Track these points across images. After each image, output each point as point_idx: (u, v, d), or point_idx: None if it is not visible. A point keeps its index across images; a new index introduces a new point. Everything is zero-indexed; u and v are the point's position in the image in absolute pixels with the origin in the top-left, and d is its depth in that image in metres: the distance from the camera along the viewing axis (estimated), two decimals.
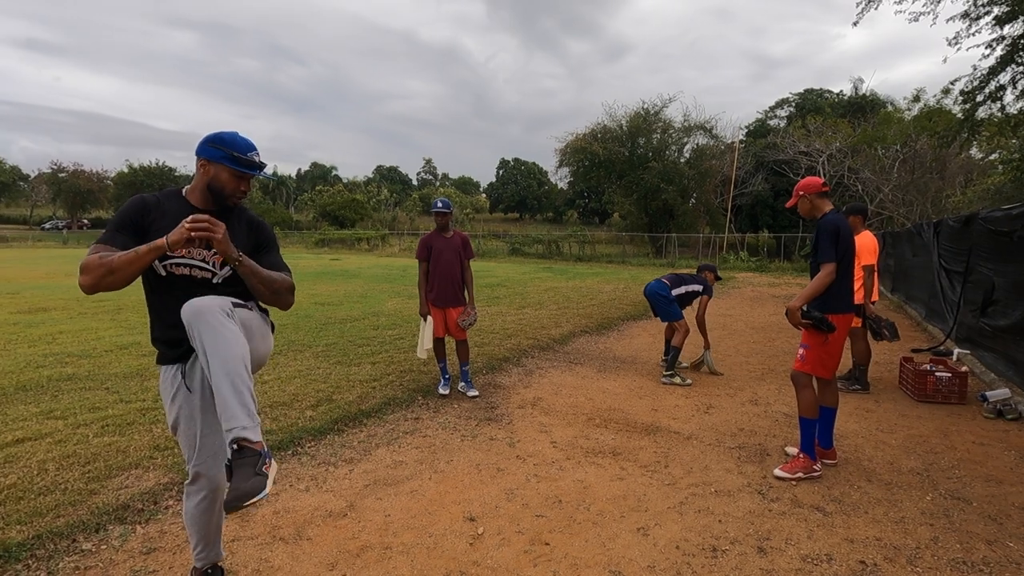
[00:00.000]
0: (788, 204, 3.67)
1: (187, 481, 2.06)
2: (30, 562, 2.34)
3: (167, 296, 1.97)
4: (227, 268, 2.04)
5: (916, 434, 4.07)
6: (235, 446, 1.66)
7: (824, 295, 3.32)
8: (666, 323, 5.85)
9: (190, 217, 1.75)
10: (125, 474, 3.14)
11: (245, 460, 1.63)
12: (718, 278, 6.24)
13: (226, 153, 1.97)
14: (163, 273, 1.95)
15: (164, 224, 1.91)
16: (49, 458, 3.29)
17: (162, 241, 1.75)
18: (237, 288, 2.06)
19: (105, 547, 2.48)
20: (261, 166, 2.05)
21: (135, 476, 3.13)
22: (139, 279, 1.96)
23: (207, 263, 2.01)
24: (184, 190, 2.06)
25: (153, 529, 2.64)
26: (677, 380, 5.42)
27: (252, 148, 2.03)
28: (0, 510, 2.69)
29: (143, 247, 1.76)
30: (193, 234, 1.73)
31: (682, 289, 5.82)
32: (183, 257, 1.96)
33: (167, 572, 2.31)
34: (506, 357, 6.23)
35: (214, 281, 2.03)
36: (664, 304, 5.73)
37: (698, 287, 5.87)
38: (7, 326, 7.52)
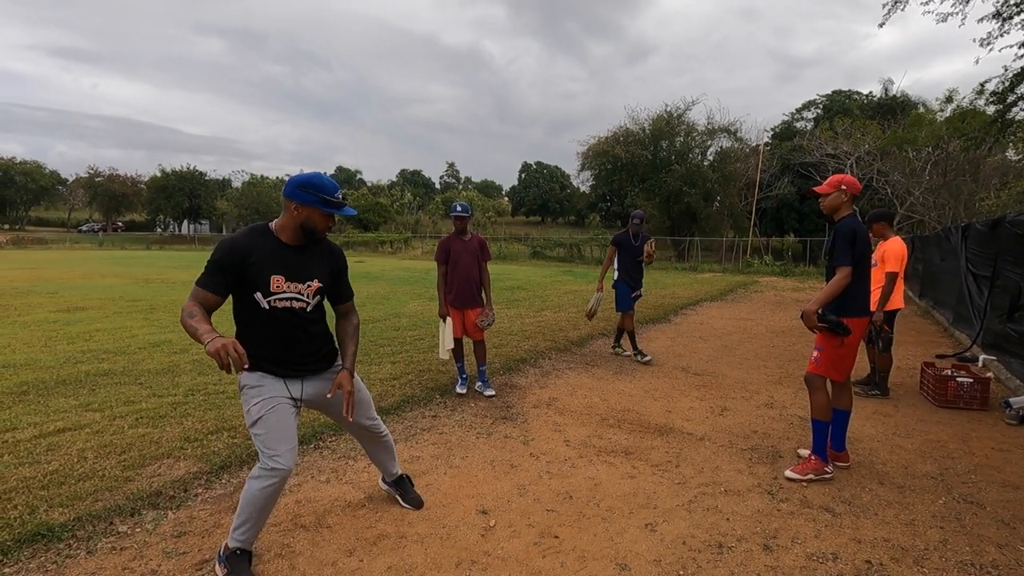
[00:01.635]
0: (819, 188, 3.52)
1: (263, 466, 2.23)
2: (71, 542, 2.51)
3: (271, 326, 2.28)
4: (317, 297, 2.38)
5: (933, 439, 4.04)
6: (402, 476, 2.94)
7: (840, 298, 3.33)
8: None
9: (230, 354, 1.91)
10: (158, 463, 3.32)
11: (410, 485, 2.97)
12: (636, 223, 6.44)
13: (318, 198, 2.23)
14: (267, 307, 2.24)
15: (256, 260, 2.19)
16: (88, 447, 3.49)
17: (206, 343, 1.94)
18: (321, 313, 2.45)
19: (139, 530, 2.64)
20: (346, 204, 2.33)
21: (167, 465, 3.30)
22: (230, 303, 2.29)
23: (303, 295, 2.32)
24: (273, 227, 2.30)
25: (183, 514, 2.79)
26: (619, 350, 6.79)
27: (338, 188, 2.31)
28: (44, 494, 2.88)
29: (199, 335, 1.97)
30: (221, 364, 1.92)
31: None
32: (284, 291, 2.25)
33: (196, 553, 2.46)
34: (523, 358, 6.32)
35: (308, 310, 2.35)
36: None
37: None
38: (47, 324, 7.88)
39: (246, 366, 1.97)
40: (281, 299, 2.25)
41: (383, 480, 3.00)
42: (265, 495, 2.24)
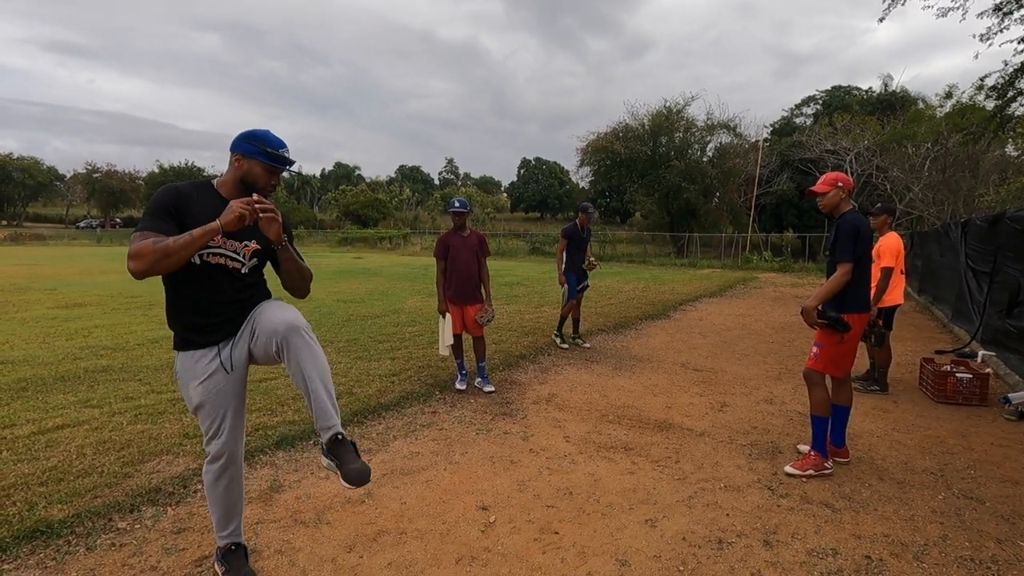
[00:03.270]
0: (815, 188, 3.48)
1: (208, 459, 2.19)
2: (70, 538, 2.51)
3: (200, 284, 2.09)
4: (254, 259, 2.20)
5: (933, 435, 4.04)
6: (338, 436, 1.95)
7: (840, 295, 3.33)
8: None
9: (255, 197, 1.90)
10: (157, 459, 3.31)
11: (347, 448, 1.95)
12: (591, 213, 6.78)
13: (260, 149, 2.10)
14: (197, 262, 2.06)
15: (196, 213, 2.00)
16: (87, 443, 3.48)
17: (216, 224, 1.87)
18: (258, 278, 2.25)
19: (139, 526, 2.63)
20: (291, 161, 2.19)
21: (166, 461, 3.29)
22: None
23: (238, 254, 2.15)
24: (215, 183, 2.17)
25: (183, 511, 2.79)
26: (558, 341, 6.89)
27: (283, 145, 2.17)
28: (43, 490, 2.87)
29: (198, 230, 1.87)
30: (262, 215, 1.91)
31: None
32: (219, 247, 2.08)
33: (196, 550, 2.45)
34: (523, 354, 6.31)
35: (243, 271, 2.17)
36: None
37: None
38: (46, 320, 7.86)
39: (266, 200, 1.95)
40: (215, 254, 2.07)
41: (322, 448, 2.03)
42: (224, 485, 2.21)
